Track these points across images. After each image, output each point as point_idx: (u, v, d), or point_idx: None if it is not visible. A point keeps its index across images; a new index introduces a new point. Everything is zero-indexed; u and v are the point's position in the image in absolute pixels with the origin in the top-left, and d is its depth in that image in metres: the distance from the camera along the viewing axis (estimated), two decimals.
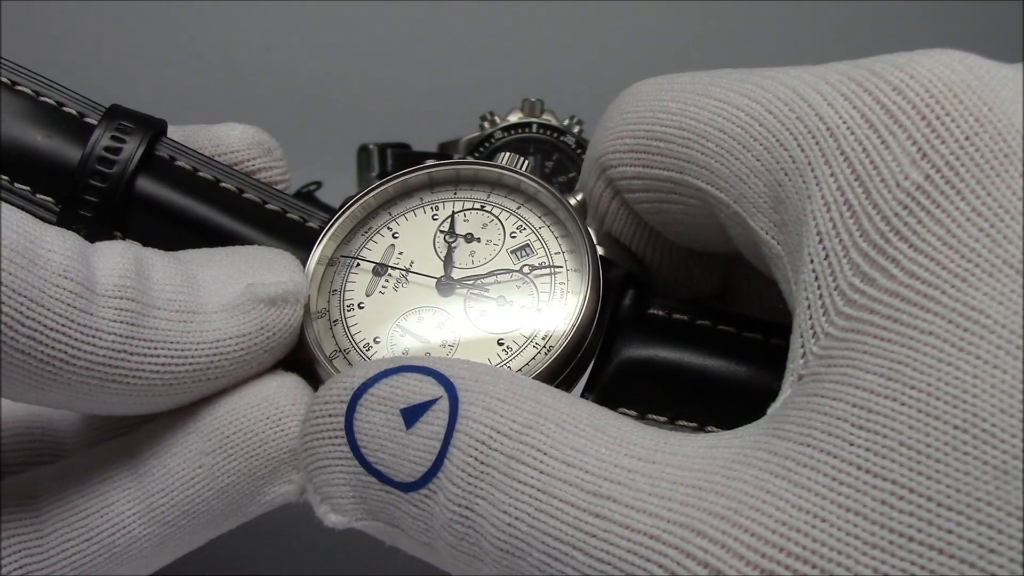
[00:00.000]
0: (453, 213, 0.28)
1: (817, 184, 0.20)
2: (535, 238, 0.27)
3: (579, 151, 0.69)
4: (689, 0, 1.13)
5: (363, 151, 0.79)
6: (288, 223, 0.28)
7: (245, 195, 0.28)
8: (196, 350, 0.23)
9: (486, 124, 0.70)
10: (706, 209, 0.24)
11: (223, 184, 0.28)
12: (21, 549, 0.23)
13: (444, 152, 0.73)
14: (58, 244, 0.22)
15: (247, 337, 0.24)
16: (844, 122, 0.20)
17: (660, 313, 0.26)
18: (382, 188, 0.29)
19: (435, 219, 0.28)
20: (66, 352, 0.21)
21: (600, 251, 0.27)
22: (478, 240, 0.27)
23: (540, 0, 1.11)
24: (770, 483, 0.17)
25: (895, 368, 0.17)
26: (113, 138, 0.27)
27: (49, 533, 0.23)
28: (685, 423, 0.24)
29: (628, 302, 0.26)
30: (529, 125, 0.69)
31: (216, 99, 1.04)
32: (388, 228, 0.28)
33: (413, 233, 0.28)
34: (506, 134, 0.69)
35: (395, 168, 0.77)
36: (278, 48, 1.07)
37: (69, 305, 0.21)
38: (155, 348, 0.22)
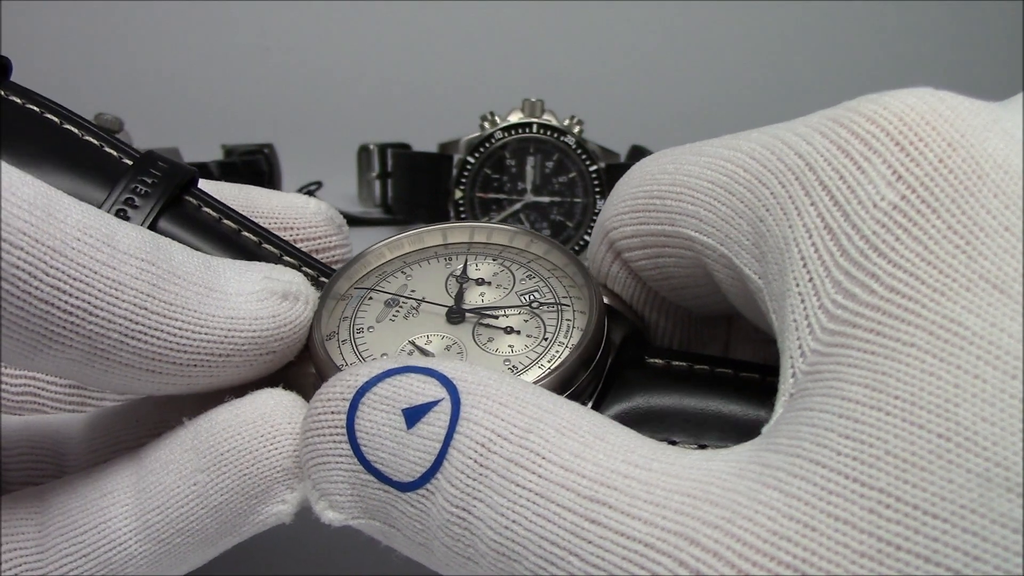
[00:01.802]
0: (466, 261, 0.29)
1: (798, 213, 0.20)
2: (544, 285, 0.28)
3: (579, 151, 0.69)
4: (689, 0, 1.13)
5: (363, 151, 0.79)
6: (304, 276, 0.29)
7: (264, 245, 0.29)
8: (213, 322, 0.23)
9: (486, 124, 0.70)
10: (695, 259, 0.24)
11: (244, 234, 0.29)
12: (22, 563, 0.23)
13: (444, 153, 0.73)
14: (75, 204, 0.22)
15: (261, 321, 0.24)
16: (821, 155, 0.20)
17: (659, 362, 0.26)
18: (396, 240, 0.29)
19: (447, 266, 0.29)
20: (89, 303, 0.21)
21: (609, 302, 0.27)
22: (488, 284, 0.28)
23: (540, 0, 1.11)
24: (762, 494, 0.18)
25: (878, 379, 0.17)
26: (129, 197, 0.27)
27: (49, 548, 0.23)
28: (686, 447, 0.24)
29: (628, 353, 0.27)
30: (529, 125, 0.69)
31: (216, 99, 1.04)
32: (402, 272, 0.29)
33: (426, 276, 0.28)
34: (506, 134, 0.69)
35: (395, 168, 0.77)
36: (278, 48, 1.07)
37: (92, 257, 0.21)
38: (174, 311, 0.22)
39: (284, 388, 0.25)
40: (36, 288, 0.20)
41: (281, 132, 0.91)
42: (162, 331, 0.22)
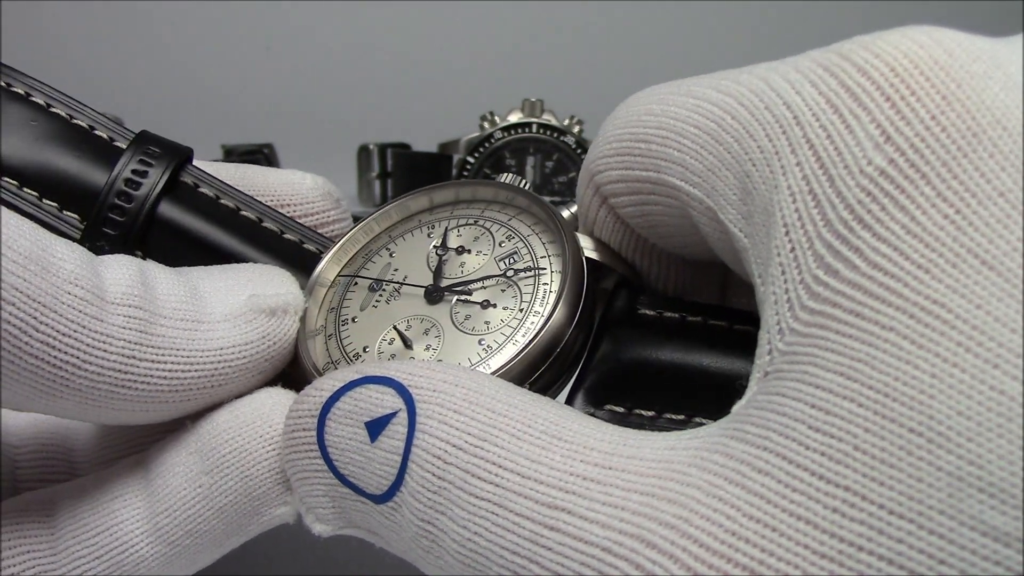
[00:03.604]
0: (447, 229, 0.28)
1: (783, 174, 0.19)
2: (522, 245, 0.27)
3: (579, 151, 0.69)
4: (689, 0, 1.13)
5: (363, 151, 0.79)
6: (304, 252, 0.29)
7: (263, 223, 0.29)
8: (201, 357, 0.23)
9: (486, 124, 0.70)
10: (682, 209, 0.23)
11: (243, 212, 0.29)
12: (35, 566, 0.23)
13: (444, 153, 0.73)
14: (68, 253, 0.22)
15: (250, 345, 0.24)
16: (810, 109, 0.19)
17: (650, 312, 0.26)
18: (384, 211, 0.30)
19: (430, 237, 0.29)
20: (78, 357, 0.21)
21: (596, 256, 0.27)
22: (468, 251, 0.28)
23: (540, 0, 1.11)
24: (723, 489, 0.17)
25: (854, 366, 0.16)
26: (137, 166, 0.27)
27: (62, 550, 0.23)
28: (672, 416, 0.24)
29: (619, 303, 0.26)
30: (529, 125, 0.69)
31: (217, 98, 1.04)
32: (387, 249, 0.29)
33: (409, 251, 0.28)
34: (506, 134, 0.69)
35: (395, 168, 0.77)
36: (278, 48, 1.07)
37: (81, 312, 0.21)
38: (162, 355, 0.22)
39: (284, 384, 0.25)
40: (27, 344, 0.20)
41: (281, 132, 0.91)
42: (152, 376, 0.22)
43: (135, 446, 0.27)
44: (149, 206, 0.27)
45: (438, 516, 0.20)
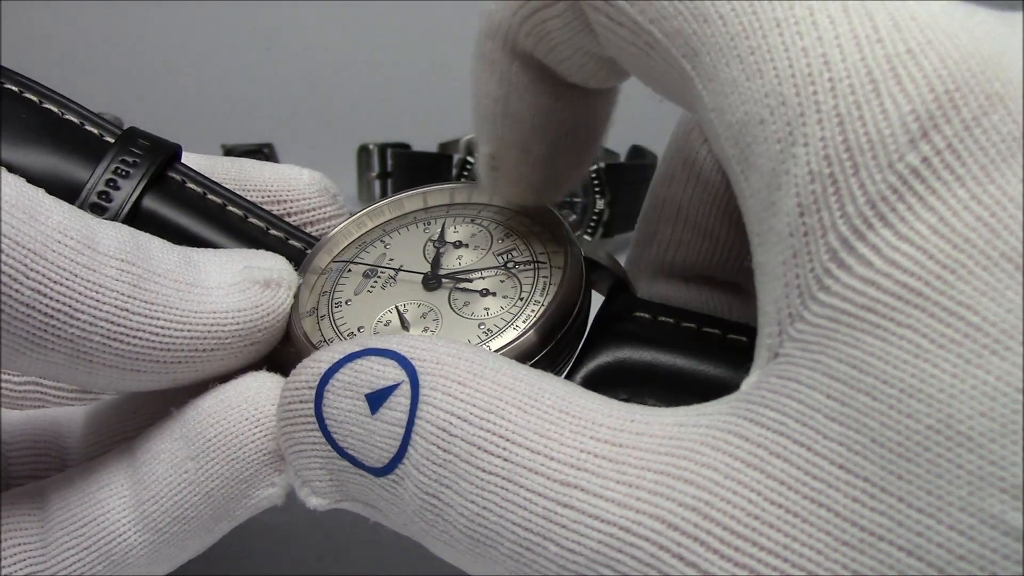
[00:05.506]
0: (444, 225, 0.29)
1: (805, 144, 0.17)
2: (521, 243, 0.27)
3: None
4: None
5: (363, 151, 0.79)
6: (289, 249, 0.29)
7: (250, 220, 0.29)
8: (195, 318, 0.23)
9: None
10: (683, 83, 0.20)
11: (229, 208, 0.29)
12: (26, 558, 0.23)
13: (444, 152, 0.73)
14: (55, 205, 0.22)
15: (243, 312, 0.24)
16: (848, 77, 0.17)
17: (646, 316, 0.26)
18: (377, 208, 0.30)
19: (426, 231, 0.29)
20: (70, 306, 0.21)
21: (592, 257, 0.27)
22: (466, 246, 0.28)
23: None
24: (742, 473, 0.17)
25: (869, 361, 0.16)
26: (119, 165, 0.27)
27: (51, 542, 0.23)
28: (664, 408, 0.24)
29: (614, 305, 0.27)
30: None
31: (216, 98, 1.04)
32: (381, 241, 0.29)
33: (404, 244, 0.28)
34: None
35: (395, 168, 0.77)
36: (278, 48, 1.07)
37: (73, 260, 0.21)
38: (156, 311, 0.22)
39: (270, 368, 0.25)
40: (17, 291, 0.20)
41: (281, 132, 0.91)
42: (144, 331, 0.22)
43: (123, 437, 0.27)
44: (125, 214, 0.27)
45: (443, 490, 0.19)
